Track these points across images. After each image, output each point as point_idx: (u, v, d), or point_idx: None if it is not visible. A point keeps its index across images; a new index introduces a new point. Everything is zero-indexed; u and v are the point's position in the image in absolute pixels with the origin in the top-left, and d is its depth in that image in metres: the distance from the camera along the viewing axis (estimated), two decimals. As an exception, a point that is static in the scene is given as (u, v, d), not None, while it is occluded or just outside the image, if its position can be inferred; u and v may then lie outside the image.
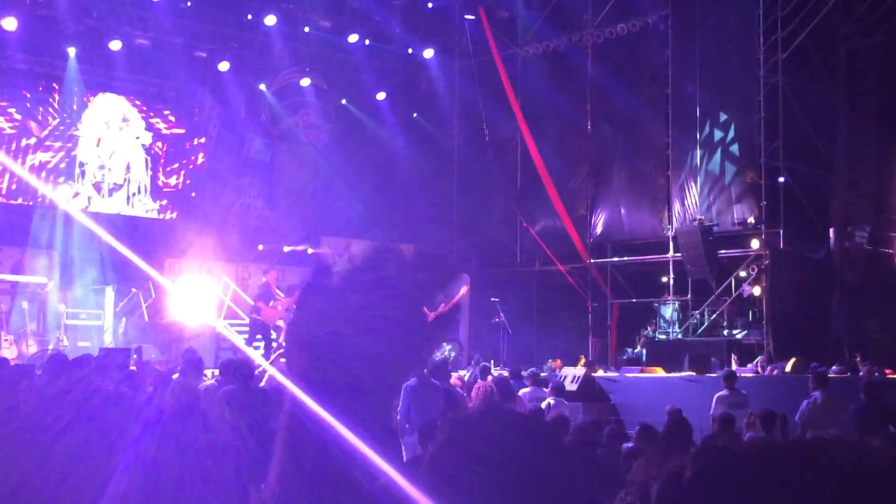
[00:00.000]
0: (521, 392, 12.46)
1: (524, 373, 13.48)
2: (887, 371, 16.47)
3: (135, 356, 15.22)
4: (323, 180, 24.97)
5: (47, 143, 21.19)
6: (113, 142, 21.84)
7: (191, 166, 23.07)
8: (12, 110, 20.77)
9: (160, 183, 22.54)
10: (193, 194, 22.95)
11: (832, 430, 10.70)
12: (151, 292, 20.36)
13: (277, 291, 18.07)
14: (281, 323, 17.90)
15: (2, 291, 18.80)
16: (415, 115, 25.90)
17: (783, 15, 19.55)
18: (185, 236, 22.16)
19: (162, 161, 22.64)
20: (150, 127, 22.42)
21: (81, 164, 21.50)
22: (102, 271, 19.89)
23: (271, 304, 17.59)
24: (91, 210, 21.45)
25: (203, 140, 23.27)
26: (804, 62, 20.05)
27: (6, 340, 17.35)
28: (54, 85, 21.20)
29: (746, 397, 12.16)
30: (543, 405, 11.80)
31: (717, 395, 12.06)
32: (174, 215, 22.57)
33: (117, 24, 21.08)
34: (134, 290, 19.96)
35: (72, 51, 20.82)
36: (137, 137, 22.20)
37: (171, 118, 22.76)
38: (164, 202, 22.62)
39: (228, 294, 19.58)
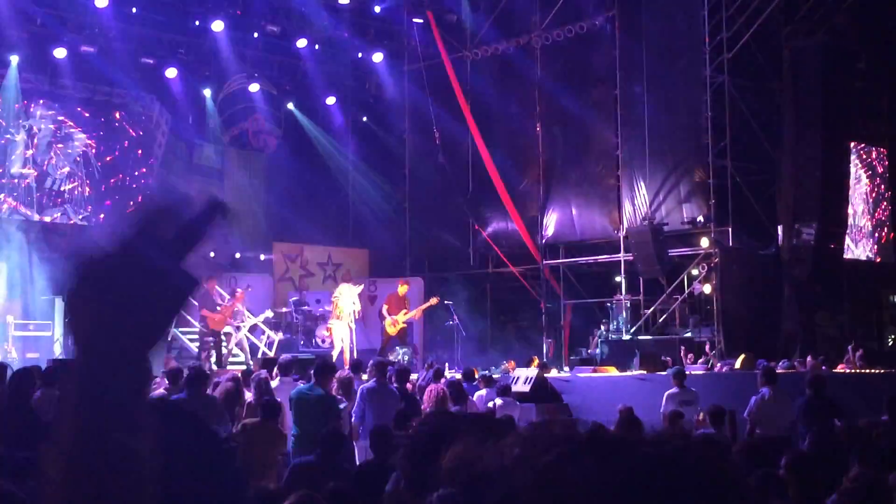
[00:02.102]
0: (476, 395, 12.49)
1: (477, 375, 13.51)
2: (840, 365, 16.73)
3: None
4: (273, 186, 24.87)
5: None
6: (49, 150, 21.51)
7: (139, 174, 22.83)
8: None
9: (103, 190, 22.25)
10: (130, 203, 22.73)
11: (779, 425, 10.85)
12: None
13: (222, 295, 17.95)
14: (229, 329, 17.79)
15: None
16: (364, 119, 25.90)
17: (728, 15, 19.76)
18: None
19: (106, 169, 22.37)
20: (94, 135, 22.16)
21: (20, 175, 21.19)
22: (52, 282, 19.65)
23: (218, 309, 17.49)
24: (36, 219, 21.18)
25: (153, 147, 23.08)
26: (749, 62, 20.29)
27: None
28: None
29: (696, 394, 12.28)
30: (490, 405, 11.84)
31: (666, 393, 12.17)
32: (122, 223, 22.32)
33: (62, 31, 20.83)
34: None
35: (14, 58, 20.56)
36: (76, 145, 21.90)
37: (120, 126, 22.51)
38: (112, 210, 22.37)
39: (198, 296, 19.40)
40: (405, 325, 18.46)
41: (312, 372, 10.52)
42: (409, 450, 2.22)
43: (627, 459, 0.91)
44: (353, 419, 10.60)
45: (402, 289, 18.68)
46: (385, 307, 18.44)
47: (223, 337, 17.74)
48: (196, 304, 18.19)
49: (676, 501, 0.87)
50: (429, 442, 2.14)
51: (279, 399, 10.34)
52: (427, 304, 18.70)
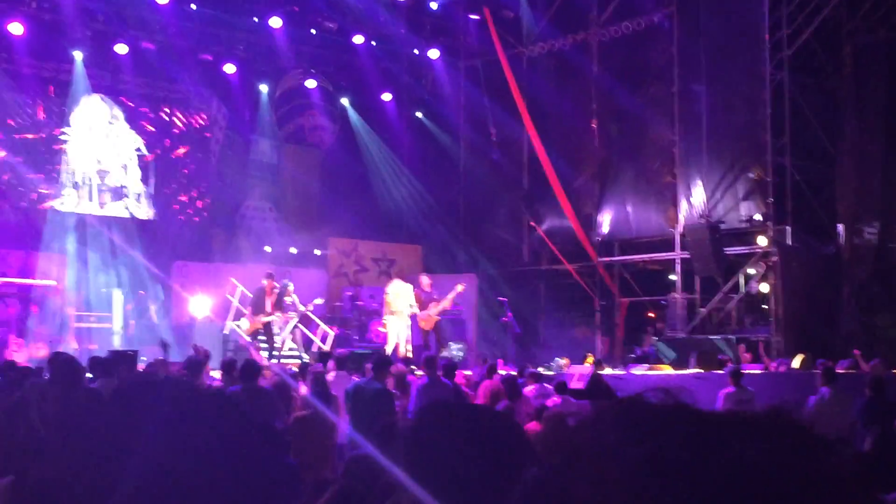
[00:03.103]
0: (525, 390, 12.48)
1: (525, 373, 13.50)
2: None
3: (143, 358, 15.27)
4: (329, 182, 25.03)
5: (55, 146, 21.28)
6: (106, 145, 21.83)
7: (197, 169, 23.11)
8: (20, 114, 20.87)
9: (162, 185, 22.55)
10: (194, 198, 23.00)
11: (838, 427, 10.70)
12: (160, 294, 20.46)
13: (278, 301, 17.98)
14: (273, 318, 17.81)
15: (11, 295, 18.89)
16: (419, 114, 25.94)
17: (788, 12, 19.53)
18: (193, 238, 22.27)
19: (165, 164, 22.67)
20: (155, 129, 22.46)
21: (79, 170, 21.55)
22: (111, 274, 19.99)
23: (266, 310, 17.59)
24: (97, 213, 21.53)
25: (211, 142, 23.35)
26: (810, 59, 20.04)
27: (16, 344, 17.44)
28: (51, 88, 21.31)
29: (752, 394, 12.13)
30: (550, 403, 11.81)
31: (722, 392, 12.05)
32: (181, 218, 22.62)
33: (123, 27, 21.17)
34: (142, 292, 20.05)
35: (78, 55, 20.92)
36: (136, 141, 22.21)
37: (179, 122, 22.81)
38: (172, 206, 22.66)
39: (236, 296, 19.62)
40: (439, 319, 18.31)
41: (370, 366, 10.58)
42: (405, 442, 2.19)
43: (739, 446, 0.89)
44: (409, 415, 10.64)
45: (425, 283, 18.48)
46: (416, 304, 18.34)
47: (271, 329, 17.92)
48: (251, 296, 18.39)
49: (783, 494, 0.86)
50: (424, 434, 2.12)
51: (334, 393, 10.42)
52: (454, 293, 18.47)
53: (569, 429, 0.94)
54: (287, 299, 18.30)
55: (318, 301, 19.38)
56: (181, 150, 22.86)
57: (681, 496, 0.85)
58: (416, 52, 25.20)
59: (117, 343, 18.81)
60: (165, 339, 16.55)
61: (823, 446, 0.91)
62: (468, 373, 14.50)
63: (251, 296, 18.39)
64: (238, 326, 18.90)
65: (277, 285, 18.14)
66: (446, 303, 18.34)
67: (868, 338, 19.09)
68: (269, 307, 17.62)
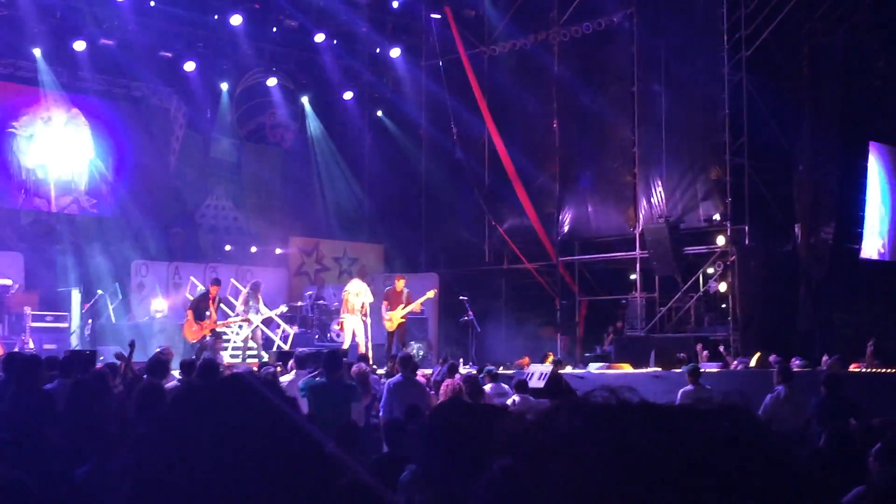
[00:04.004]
0: (484, 388, 12.51)
1: (484, 372, 13.54)
2: (853, 365, 16.64)
3: (101, 357, 15.14)
4: (290, 181, 24.95)
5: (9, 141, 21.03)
6: (63, 141, 21.58)
7: (156, 167, 22.92)
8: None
9: (119, 182, 22.32)
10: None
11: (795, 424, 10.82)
12: (118, 293, 20.27)
13: (223, 309, 17.78)
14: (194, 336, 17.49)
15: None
16: (380, 113, 25.89)
17: (747, 12, 19.68)
18: (153, 237, 22.09)
19: (123, 161, 22.45)
20: (112, 127, 22.25)
21: (35, 167, 21.32)
22: (69, 273, 19.78)
23: (206, 316, 17.35)
24: (54, 211, 21.30)
25: (171, 140, 23.17)
26: (768, 60, 20.22)
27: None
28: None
29: (711, 392, 12.24)
30: (509, 402, 11.84)
31: (681, 391, 12.16)
32: (140, 216, 22.40)
33: (81, 24, 20.94)
34: (100, 291, 19.86)
35: (37, 51, 20.70)
36: (91, 137, 21.97)
37: (137, 119, 22.60)
38: (131, 204, 22.43)
39: (196, 294, 19.47)
40: (404, 320, 18.36)
41: (322, 363, 10.59)
42: (424, 439, 2.22)
43: (693, 432, 0.93)
44: (381, 413, 10.64)
45: (400, 284, 18.52)
46: (384, 304, 18.36)
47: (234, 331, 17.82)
48: (191, 299, 18.25)
49: (744, 471, 0.90)
50: (443, 431, 2.15)
51: (292, 394, 10.40)
52: (424, 297, 18.58)
53: (528, 423, 0.97)
54: (261, 307, 18.34)
55: (283, 309, 19.38)
56: (139, 148, 22.62)
57: (640, 477, 0.89)
58: (377, 50, 25.16)
59: (74, 343, 18.64)
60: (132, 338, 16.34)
61: (775, 437, 0.95)
62: (428, 371, 14.51)
63: (191, 299, 18.29)
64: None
65: (244, 292, 18.10)
66: (414, 306, 18.39)
67: (825, 336, 19.31)
68: (211, 313, 17.38)
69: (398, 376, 11.15)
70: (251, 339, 18.27)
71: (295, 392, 10.48)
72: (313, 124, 24.96)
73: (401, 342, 18.24)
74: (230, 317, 18.39)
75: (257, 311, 18.43)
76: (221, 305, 17.87)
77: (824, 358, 15.99)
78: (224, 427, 1.31)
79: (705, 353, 17.96)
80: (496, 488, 0.96)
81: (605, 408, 0.96)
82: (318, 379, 10.44)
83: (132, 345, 11.98)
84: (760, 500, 0.89)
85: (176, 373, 11.96)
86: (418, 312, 19.33)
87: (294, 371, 11.92)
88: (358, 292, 17.97)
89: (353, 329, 17.86)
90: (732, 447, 0.92)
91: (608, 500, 0.88)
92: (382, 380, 12.62)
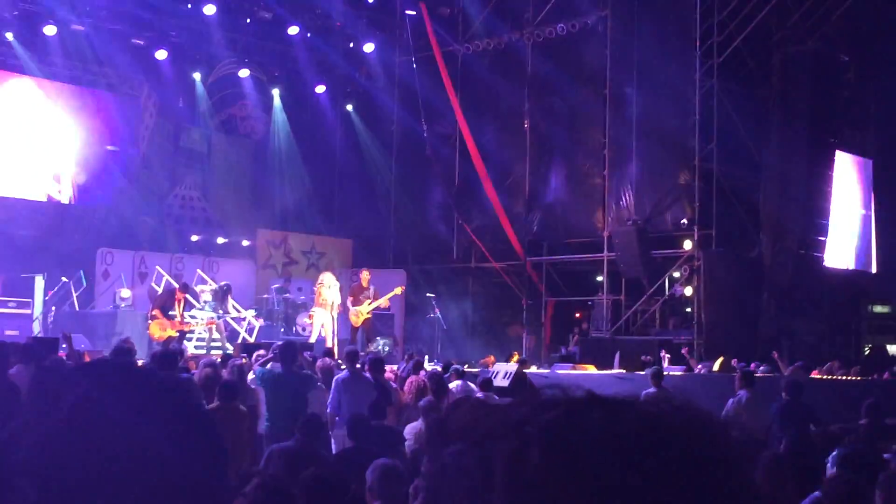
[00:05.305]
0: (450, 385, 12.53)
1: (450, 370, 13.56)
2: (814, 372, 16.80)
3: (64, 345, 15.00)
4: (259, 172, 24.86)
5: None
6: (31, 127, 21.35)
7: (125, 155, 22.73)
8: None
9: (86, 168, 22.12)
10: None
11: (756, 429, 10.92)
12: (83, 281, 20.11)
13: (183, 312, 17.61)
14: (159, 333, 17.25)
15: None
16: (351, 108, 25.81)
17: (720, 20, 19.83)
18: (119, 225, 21.94)
19: (90, 148, 22.25)
20: (83, 113, 22.04)
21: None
22: (33, 259, 19.58)
23: (169, 315, 17.14)
24: (18, 197, 21.09)
25: (140, 129, 23.00)
26: (739, 67, 20.40)
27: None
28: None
29: (673, 394, 12.33)
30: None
31: (643, 393, 12.22)
32: (106, 204, 22.22)
33: (52, 8, 20.72)
34: (64, 279, 19.70)
35: (9, 35, 20.49)
36: (59, 123, 21.74)
37: (107, 105, 22.41)
38: (98, 191, 22.23)
39: (161, 285, 19.36)
40: (370, 316, 18.33)
41: (278, 354, 10.62)
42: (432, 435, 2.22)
43: (629, 415, 0.97)
44: (328, 409, 10.62)
45: (365, 278, 18.49)
46: (349, 298, 18.31)
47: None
48: (157, 292, 18.13)
49: (676, 453, 0.93)
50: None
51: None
52: (392, 293, 18.56)
53: (479, 413, 1.02)
54: (232, 307, 18.32)
55: (253, 313, 19.35)
56: (108, 135, 22.43)
57: (579, 452, 0.94)
58: (351, 45, 25.10)
59: (37, 329, 18.48)
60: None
61: (731, 434, 0.99)
62: (394, 367, 14.50)
63: (159, 291, 18.16)
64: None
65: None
66: (381, 301, 18.32)
67: (787, 342, 19.51)
68: (177, 314, 17.19)
69: (345, 372, 11.16)
70: (215, 330, 18.19)
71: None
72: (279, 117, 24.85)
73: (366, 338, 18.21)
74: (195, 307, 18.26)
75: (225, 314, 18.38)
76: (188, 297, 17.74)
77: (777, 360, 16.11)
78: (113, 409, 1.31)
79: (668, 356, 18.07)
80: (446, 472, 0.99)
81: (552, 398, 1.01)
82: (262, 369, 10.48)
83: (67, 337, 11.85)
84: (693, 481, 0.93)
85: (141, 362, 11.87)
86: (385, 308, 19.29)
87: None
88: (330, 285, 17.90)
89: (321, 323, 17.80)
90: (672, 427, 0.96)
91: (547, 473, 0.93)
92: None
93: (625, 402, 0.99)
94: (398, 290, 18.81)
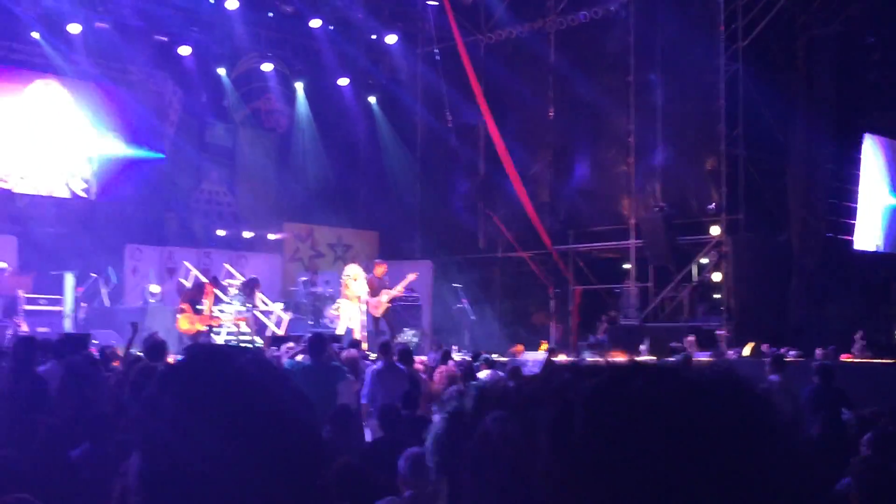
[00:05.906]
0: (479, 375, 12.55)
1: (480, 359, 13.58)
2: (843, 356, 16.71)
3: (95, 341, 15.12)
4: (284, 166, 24.92)
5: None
6: (57, 125, 21.49)
7: (149, 150, 22.85)
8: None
9: (111, 166, 22.26)
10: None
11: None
12: (113, 277, 20.26)
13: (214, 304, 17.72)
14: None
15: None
16: (374, 100, 25.82)
17: (743, 4, 19.71)
18: (147, 221, 22.08)
19: (119, 144, 22.39)
20: (107, 110, 22.17)
21: (30, 151, 21.24)
22: (62, 256, 19.72)
23: (198, 310, 17.29)
24: (47, 194, 21.25)
25: (165, 125, 23.11)
26: (764, 51, 20.24)
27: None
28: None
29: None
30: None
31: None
32: (134, 200, 22.36)
33: (75, 7, 20.83)
34: (94, 275, 19.84)
35: (36, 34, 20.63)
36: (85, 121, 21.88)
37: (131, 102, 22.52)
38: (126, 188, 22.36)
39: (190, 279, 19.47)
40: (390, 305, 18.35)
41: (307, 346, 10.60)
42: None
43: (672, 382, 0.97)
44: (362, 400, 10.65)
45: (379, 270, 18.47)
46: (367, 291, 18.33)
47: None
48: (186, 286, 18.24)
49: (720, 421, 0.93)
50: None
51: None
52: (406, 281, 18.54)
53: (520, 382, 1.05)
54: (260, 301, 18.41)
55: (281, 306, 19.44)
56: (132, 132, 22.55)
57: (621, 418, 0.94)
58: (373, 37, 25.11)
59: (68, 326, 18.62)
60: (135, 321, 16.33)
61: (770, 403, 0.99)
62: (423, 358, 14.53)
63: (188, 286, 18.27)
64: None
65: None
66: (397, 290, 18.34)
67: (816, 327, 19.39)
68: (207, 309, 17.32)
69: (380, 363, 11.17)
70: (245, 324, 18.29)
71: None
72: (303, 110, 24.90)
73: (391, 328, 18.23)
74: (223, 301, 18.35)
75: (253, 307, 18.48)
76: (216, 292, 17.85)
77: (818, 351, 16.02)
78: (208, 404, 1.34)
79: (692, 338, 17.86)
80: (488, 439, 1.00)
81: (595, 364, 1.02)
82: (291, 361, 10.50)
83: (135, 326, 11.92)
84: (747, 455, 0.92)
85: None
86: (402, 296, 19.31)
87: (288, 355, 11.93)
88: (357, 277, 17.92)
89: (349, 315, 17.83)
90: (716, 394, 0.96)
91: (591, 439, 0.93)
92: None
93: (667, 368, 0.99)
94: (411, 277, 18.73)
